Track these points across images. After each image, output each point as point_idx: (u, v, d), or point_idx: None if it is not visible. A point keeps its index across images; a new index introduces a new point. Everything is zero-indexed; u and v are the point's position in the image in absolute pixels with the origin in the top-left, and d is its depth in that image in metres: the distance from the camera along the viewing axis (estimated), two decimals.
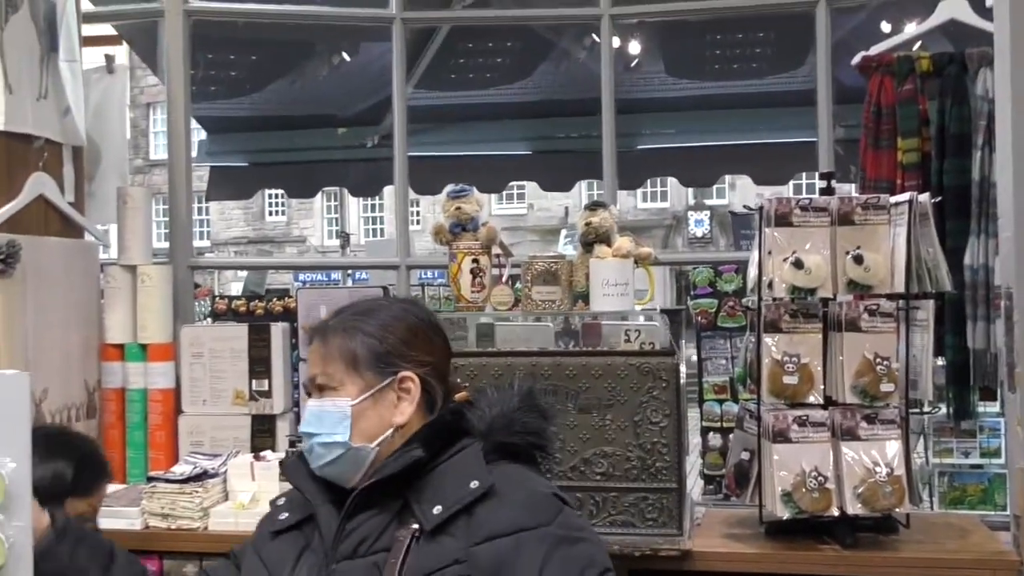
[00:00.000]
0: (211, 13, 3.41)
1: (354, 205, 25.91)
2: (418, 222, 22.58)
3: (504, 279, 2.39)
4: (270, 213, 26.77)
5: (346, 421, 1.49)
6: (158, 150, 23.82)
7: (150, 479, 2.42)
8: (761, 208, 2.18)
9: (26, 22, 2.54)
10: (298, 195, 16.94)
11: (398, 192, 3.36)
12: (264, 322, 2.84)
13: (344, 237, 23.82)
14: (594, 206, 2.36)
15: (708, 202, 24.21)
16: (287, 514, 1.56)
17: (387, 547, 1.43)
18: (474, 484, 1.45)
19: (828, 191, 2.26)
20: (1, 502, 1.14)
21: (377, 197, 22.76)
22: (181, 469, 2.43)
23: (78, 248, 2.75)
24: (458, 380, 1.66)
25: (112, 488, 2.34)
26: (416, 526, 1.43)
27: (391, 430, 1.51)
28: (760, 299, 2.16)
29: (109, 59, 3.21)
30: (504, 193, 16.81)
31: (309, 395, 1.58)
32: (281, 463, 1.64)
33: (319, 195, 22.24)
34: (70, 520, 1.60)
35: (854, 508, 2.06)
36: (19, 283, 2.42)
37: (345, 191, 21.85)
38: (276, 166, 8.29)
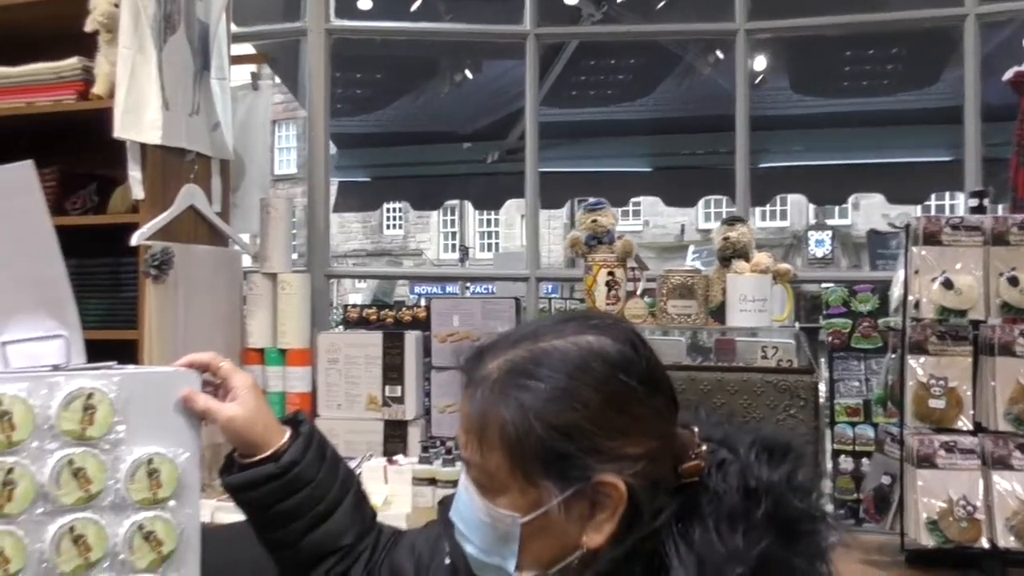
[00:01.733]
0: (351, 32, 3.53)
1: (471, 220, 26.25)
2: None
3: (638, 292, 2.38)
4: (388, 226, 27.35)
5: (512, 544, 1.00)
6: (283, 165, 24.64)
7: None
8: (908, 226, 2.11)
9: (182, 42, 2.68)
10: (421, 208, 17.38)
11: (529, 205, 3.38)
12: (395, 331, 2.91)
13: (463, 251, 24.20)
14: (732, 221, 2.33)
15: (830, 222, 23.51)
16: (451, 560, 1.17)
17: None
18: None
19: (980, 209, 2.18)
20: (174, 490, 1.20)
21: (493, 212, 23.04)
22: None
23: (224, 256, 2.87)
24: (692, 430, 1.03)
25: None
26: None
27: (577, 553, 0.98)
28: (905, 319, 2.10)
29: (255, 77, 3.34)
30: (619, 210, 16.81)
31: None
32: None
33: (436, 210, 22.66)
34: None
35: (1006, 541, 1.97)
36: (171, 288, 2.54)
37: (464, 205, 22.25)
38: (399, 180, 8.52)
